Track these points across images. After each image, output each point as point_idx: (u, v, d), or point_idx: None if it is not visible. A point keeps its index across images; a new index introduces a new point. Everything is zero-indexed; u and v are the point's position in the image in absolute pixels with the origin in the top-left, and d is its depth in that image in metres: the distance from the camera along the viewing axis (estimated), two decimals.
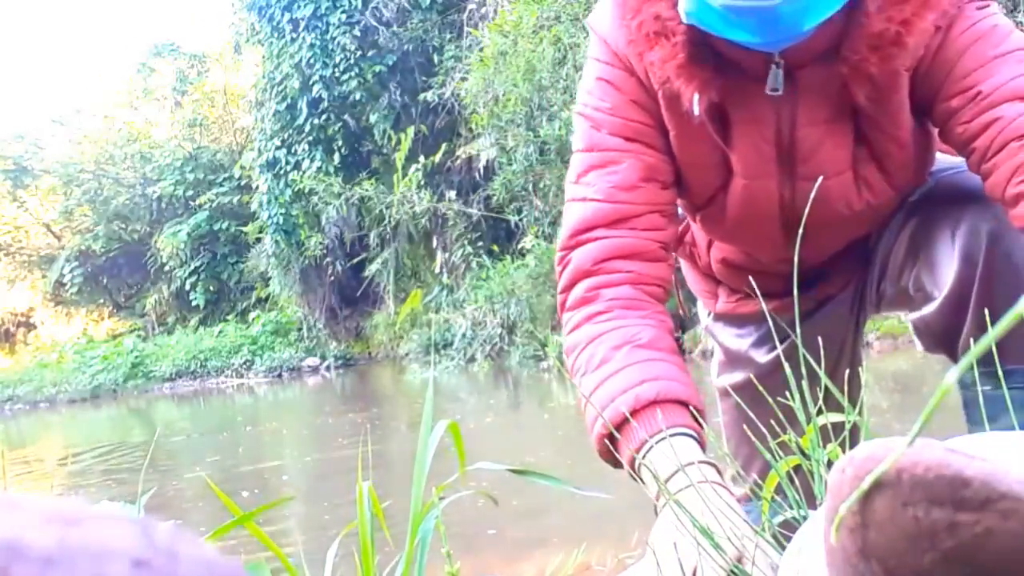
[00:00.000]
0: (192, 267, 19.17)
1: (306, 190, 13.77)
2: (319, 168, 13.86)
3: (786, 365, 0.81)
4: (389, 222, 12.96)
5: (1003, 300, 1.02)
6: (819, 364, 0.76)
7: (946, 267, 1.08)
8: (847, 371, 1.15)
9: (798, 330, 0.77)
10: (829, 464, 0.77)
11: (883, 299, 1.28)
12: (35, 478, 6.03)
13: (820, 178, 1.04)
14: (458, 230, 12.73)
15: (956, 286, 1.06)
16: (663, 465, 0.90)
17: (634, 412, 0.95)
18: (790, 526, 0.77)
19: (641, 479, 0.94)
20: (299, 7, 13.55)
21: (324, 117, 13.95)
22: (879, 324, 6.50)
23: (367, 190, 12.87)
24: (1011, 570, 0.39)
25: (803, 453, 0.80)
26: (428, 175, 12.73)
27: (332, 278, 15.24)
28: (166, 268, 19.72)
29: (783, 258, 1.19)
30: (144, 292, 21.43)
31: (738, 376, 1.39)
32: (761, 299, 0.95)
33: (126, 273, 21.83)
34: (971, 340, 1.07)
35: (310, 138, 14.09)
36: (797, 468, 0.82)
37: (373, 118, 13.68)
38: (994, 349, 0.84)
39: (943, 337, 1.13)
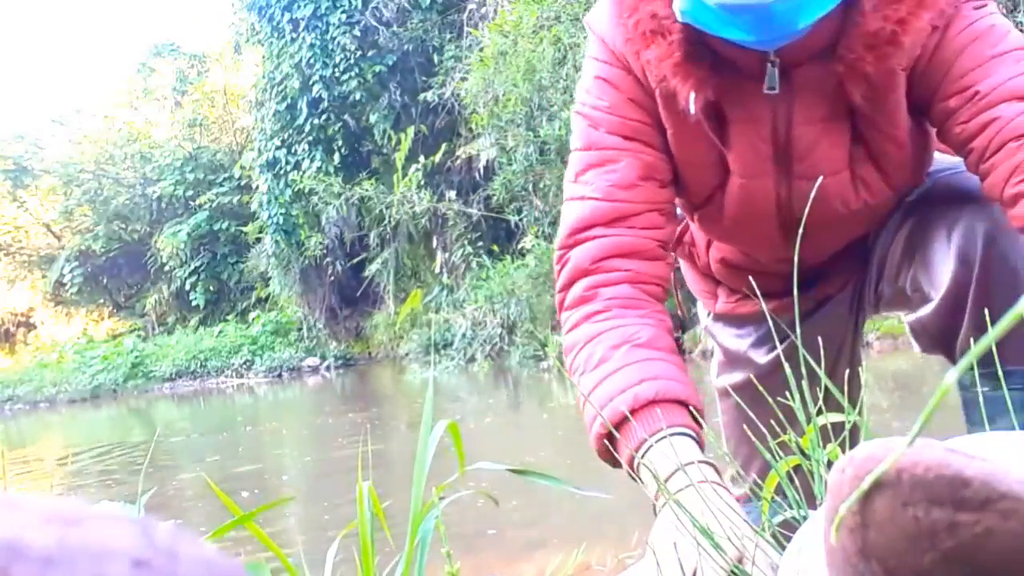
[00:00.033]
0: (192, 267, 19.18)
1: (306, 190, 13.78)
2: (319, 168, 13.86)
3: (786, 365, 0.81)
4: (389, 222, 12.96)
5: (1000, 301, 1.02)
6: (819, 364, 0.76)
7: (942, 268, 1.08)
8: (847, 371, 1.15)
9: (798, 330, 0.77)
10: (829, 464, 0.77)
11: (881, 299, 1.28)
12: (35, 478, 6.03)
13: (820, 178, 1.04)
14: (458, 230, 12.73)
15: (953, 287, 1.06)
16: (662, 465, 0.90)
17: (633, 411, 0.95)
18: (790, 526, 0.77)
19: (640, 479, 0.94)
20: (299, 7, 13.55)
21: (324, 117, 13.95)
22: (879, 324, 6.49)
23: (367, 190, 12.87)
24: (1011, 570, 0.39)
25: (803, 453, 0.80)
26: (428, 175, 12.73)
27: (332, 278, 15.24)
28: (166, 268, 19.72)
29: (782, 258, 1.19)
30: (144, 292, 21.43)
31: (738, 376, 1.39)
32: (761, 299, 0.95)
33: (126, 273, 21.83)
34: (969, 341, 1.07)
35: (310, 138, 14.10)
36: (797, 468, 0.82)
37: (373, 118, 13.68)
38: (994, 350, 0.84)
39: (940, 338, 1.13)
